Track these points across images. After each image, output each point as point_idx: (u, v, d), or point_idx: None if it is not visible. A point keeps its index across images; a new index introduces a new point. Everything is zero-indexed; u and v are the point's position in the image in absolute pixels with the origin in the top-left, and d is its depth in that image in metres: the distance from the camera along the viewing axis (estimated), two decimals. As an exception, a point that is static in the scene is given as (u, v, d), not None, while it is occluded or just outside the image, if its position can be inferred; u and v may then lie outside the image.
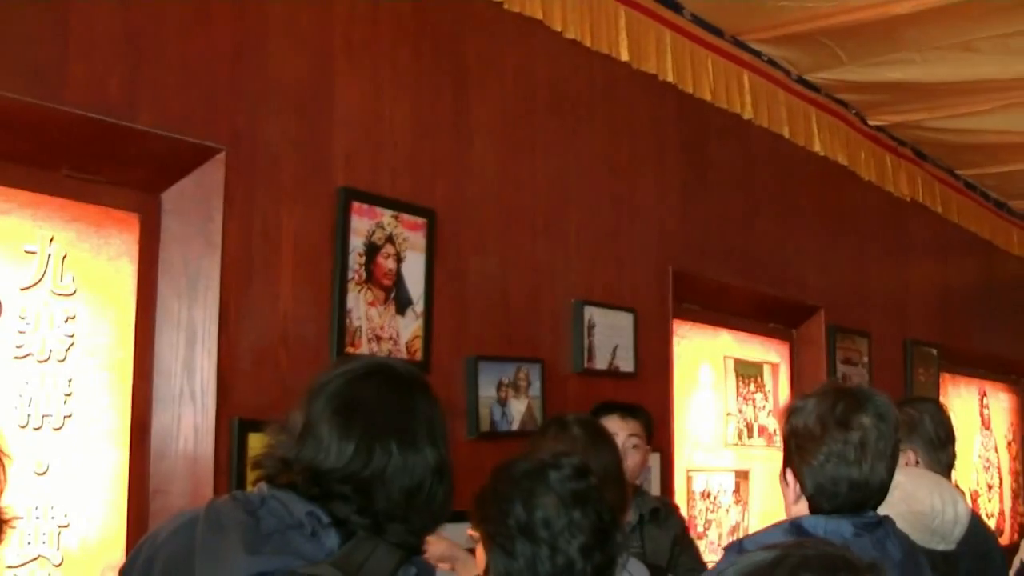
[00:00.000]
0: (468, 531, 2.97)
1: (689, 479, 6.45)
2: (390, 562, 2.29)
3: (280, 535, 2.26)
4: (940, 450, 4.38)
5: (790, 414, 3.08)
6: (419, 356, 4.51)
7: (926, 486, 3.55)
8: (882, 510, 3.52)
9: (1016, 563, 5.24)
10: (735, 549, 2.84)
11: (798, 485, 3.00)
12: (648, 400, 5.63)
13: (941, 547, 3.51)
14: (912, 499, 3.51)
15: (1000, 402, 11.05)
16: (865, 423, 2.93)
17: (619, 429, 4.54)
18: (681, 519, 4.90)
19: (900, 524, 3.48)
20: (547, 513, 2.73)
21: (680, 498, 6.29)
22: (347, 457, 2.31)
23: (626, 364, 5.59)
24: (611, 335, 5.50)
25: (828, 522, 2.89)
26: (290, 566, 2.21)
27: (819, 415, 2.99)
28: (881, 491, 2.97)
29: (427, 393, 2.47)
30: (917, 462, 4.34)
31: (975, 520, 4.28)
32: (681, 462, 6.27)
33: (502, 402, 4.83)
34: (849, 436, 2.92)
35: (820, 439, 2.94)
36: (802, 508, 2.99)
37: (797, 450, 3.00)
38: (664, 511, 4.72)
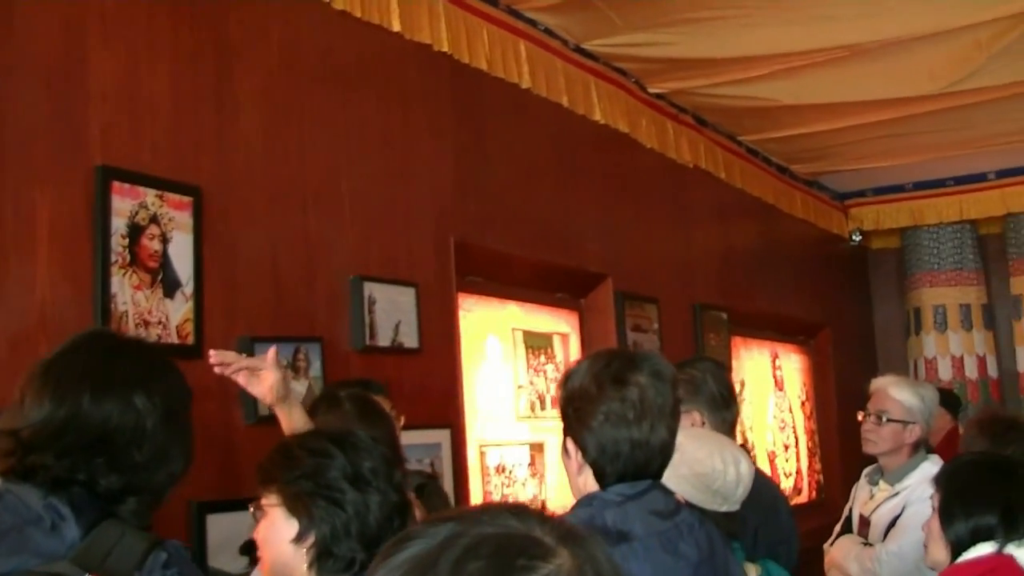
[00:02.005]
0: (252, 507, 2.84)
1: (483, 454, 6.38)
2: (138, 549, 2.17)
3: (17, 532, 2.13)
4: (724, 409, 4.40)
5: (565, 380, 3.02)
6: (190, 339, 4.37)
7: (707, 447, 3.53)
8: (664, 473, 3.51)
9: (844, 511, 5.30)
10: None
11: (579, 452, 2.93)
12: (435, 375, 5.59)
13: (724, 508, 3.49)
14: (693, 461, 3.49)
15: (792, 363, 11.25)
16: (642, 381, 2.88)
17: (387, 406, 4.44)
18: (445, 495, 4.86)
19: (682, 486, 3.47)
20: (375, 464, 2.69)
21: (475, 474, 6.24)
22: (45, 412, 2.24)
23: (410, 340, 5.49)
24: (393, 311, 5.39)
25: (618, 512, 2.80)
26: (27, 566, 2.08)
27: (594, 374, 2.93)
28: (663, 452, 2.91)
29: (150, 350, 2.51)
30: (704, 423, 4.34)
31: (758, 476, 4.30)
32: (473, 437, 6.20)
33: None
34: (626, 393, 2.85)
35: (597, 398, 2.88)
36: (587, 479, 2.93)
37: (575, 414, 2.93)
38: (429, 486, 4.65)
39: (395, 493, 2.70)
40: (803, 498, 10.77)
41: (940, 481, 3.56)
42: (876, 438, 5.11)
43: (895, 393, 5.11)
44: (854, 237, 12.10)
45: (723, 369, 4.56)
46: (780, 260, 10.51)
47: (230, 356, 3.49)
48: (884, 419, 5.07)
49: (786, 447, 10.73)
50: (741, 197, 9.71)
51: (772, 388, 10.68)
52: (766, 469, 9.97)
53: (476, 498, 6.17)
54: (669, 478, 3.47)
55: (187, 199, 4.41)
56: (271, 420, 4.50)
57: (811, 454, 11.20)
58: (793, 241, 10.88)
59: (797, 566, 4.30)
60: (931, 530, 3.52)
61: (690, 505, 3.45)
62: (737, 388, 9.35)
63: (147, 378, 2.35)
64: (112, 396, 2.27)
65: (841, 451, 10.82)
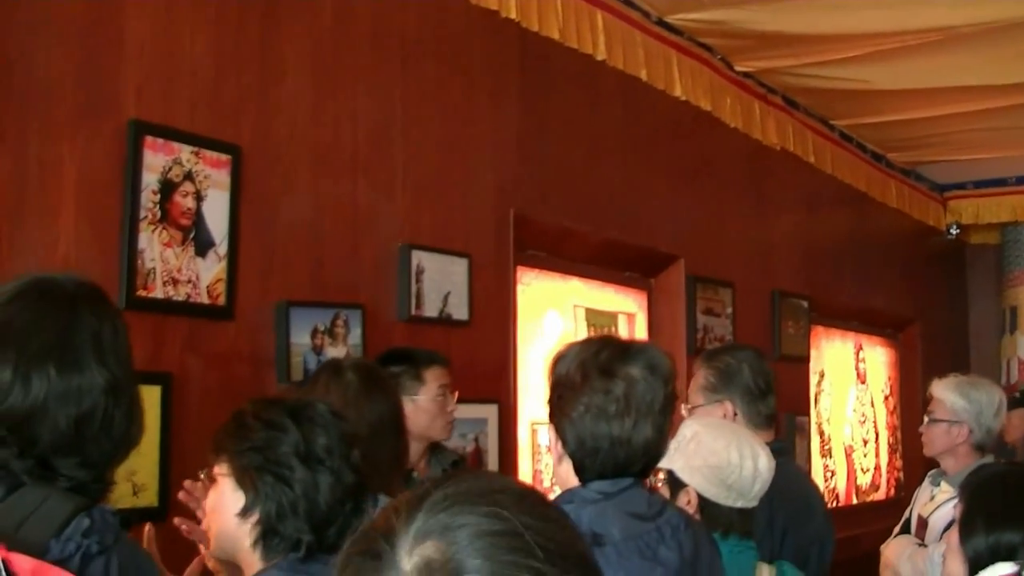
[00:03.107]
0: (200, 474, 2.73)
1: (534, 432, 6.25)
2: (60, 513, 2.05)
3: None
4: (760, 401, 4.23)
5: (554, 364, 2.87)
6: (222, 300, 4.29)
7: (724, 438, 3.37)
8: (678, 462, 3.36)
9: (905, 514, 5.13)
10: None
11: (560, 442, 2.79)
12: (484, 349, 5.47)
13: (740, 504, 3.32)
14: (708, 452, 3.33)
15: (877, 356, 11.00)
16: (632, 373, 2.71)
17: (448, 378, 4.41)
18: None
19: (695, 478, 3.32)
20: (329, 442, 2.55)
21: (524, 452, 6.12)
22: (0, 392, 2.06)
23: (459, 312, 5.38)
24: (442, 281, 5.28)
25: (595, 512, 2.65)
26: None
27: (581, 362, 2.77)
28: (647, 452, 2.72)
29: (95, 306, 2.22)
30: (735, 414, 4.18)
31: (793, 475, 4.14)
32: (525, 414, 6.07)
33: (317, 350, 4.60)
34: (611, 386, 2.69)
35: (580, 388, 2.72)
36: (568, 470, 2.79)
37: (558, 402, 2.78)
38: (463, 465, 4.57)
39: (350, 473, 2.56)
40: (880, 495, 10.53)
41: (964, 492, 3.36)
42: (926, 440, 4.99)
43: (939, 393, 4.97)
44: (951, 231, 11.75)
45: (762, 359, 4.37)
46: (870, 250, 10.24)
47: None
48: (930, 420, 4.93)
49: (865, 442, 10.49)
50: (831, 183, 9.45)
51: (854, 380, 10.43)
52: (841, 464, 9.78)
53: (525, 476, 6.05)
54: (682, 469, 3.34)
55: (225, 157, 4.32)
56: (303, 384, 4.45)
57: (891, 451, 10.95)
58: (885, 232, 10.60)
59: (828, 570, 4.14)
60: (950, 542, 3.33)
61: (702, 499, 3.32)
62: (816, 379, 9.24)
63: (115, 346, 2.22)
64: (79, 374, 2.13)
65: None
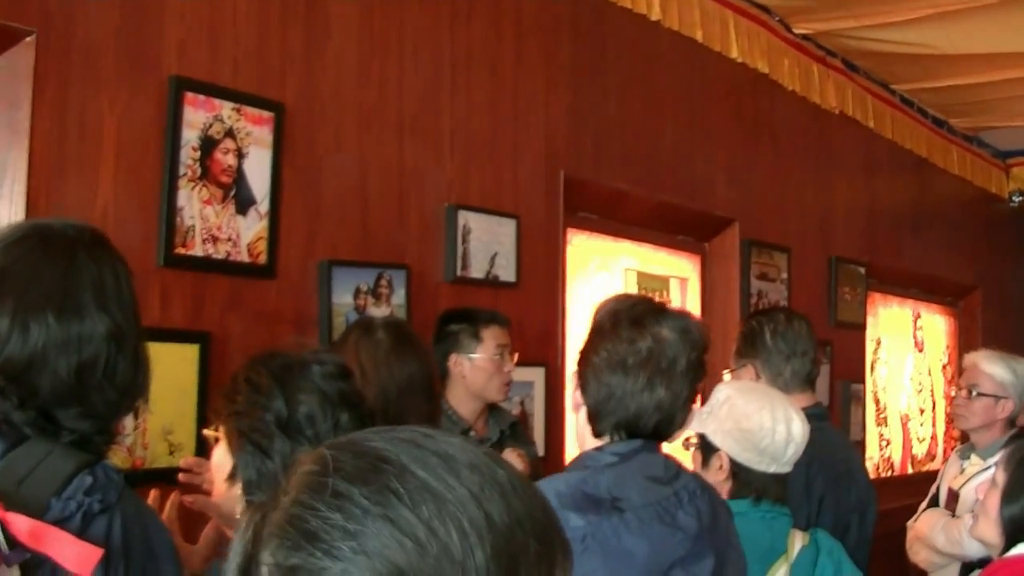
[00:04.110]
0: (205, 431, 2.68)
1: (583, 395, 6.19)
2: (63, 470, 2.00)
3: None
4: (782, 363, 4.16)
5: (594, 313, 2.83)
6: (263, 259, 4.26)
7: (756, 402, 3.31)
8: (710, 426, 3.31)
9: (932, 489, 5.07)
10: None
11: (579, 391, 2.75)
12: (532, 311, 5.43)
13: (773, 469, 3.27)
14: (741, 416, 3.28)
15: (936, 324, 10.87)
16: (663, 334, 2.65)
17: (507, 339, 4.44)
18: (532, 440, 4.78)
19: (727, 442, 3.27)
20: (312, 409, 2.41)
21: (571, 416, 6.06)
22: None
23: (507, 273, 5.33)
24: (490, 242, 5.23)
25: (614, 476, 2.59)
26: None
27: (614, 311, 2.73)
28: (659, 411, 2.65)
29: (95, 252, 2.16)
30: (758, 376, 4.13)
31: (833, 441, 4.07)
32: (572, 379, 6.01)
33: (360, 310, 4.57)
34: (638, 338, 2.64)
35: (606, 335, 2.67)
36: (583, 419, 2.74)
37: (585, 347, 2.74)
38: (520, 428, 4.55)
39: None
40: (936, 465, 10.39)
41: (1012, 457, 3.29)
42: (967, 413, 4.92)
43: (986, 367, 4.90)
44: (1014, 198, 11.55)
45: (793, 321, 4.28)
46: (931, 217, 10.11)
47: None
48: (975, 393, 4.86)
49: (922, 411, 10.37)
50: (891, 148, 9.32)
51: (912, 348, 10.31)
52: (897, 433, 9.68)
53: (572, 438, 6.00)
54: (715, 433, 3.30)
55: (268, 115, 4.29)
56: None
57: (948, 420, 10.80)
58: (946, 198, 10.45)
59: (870, 539, 4.08)
60: (986, 506, 3.26)
61: (735, 464, 3.27)
62: (872, 347, 9.13)
63: (117, 293, 2.17)
64: (80, 322, 2.07)
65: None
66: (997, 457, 4.56)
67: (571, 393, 2.82)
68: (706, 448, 3.34)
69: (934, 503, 4.95)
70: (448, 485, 1.16)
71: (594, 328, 2.75)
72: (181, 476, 2.95)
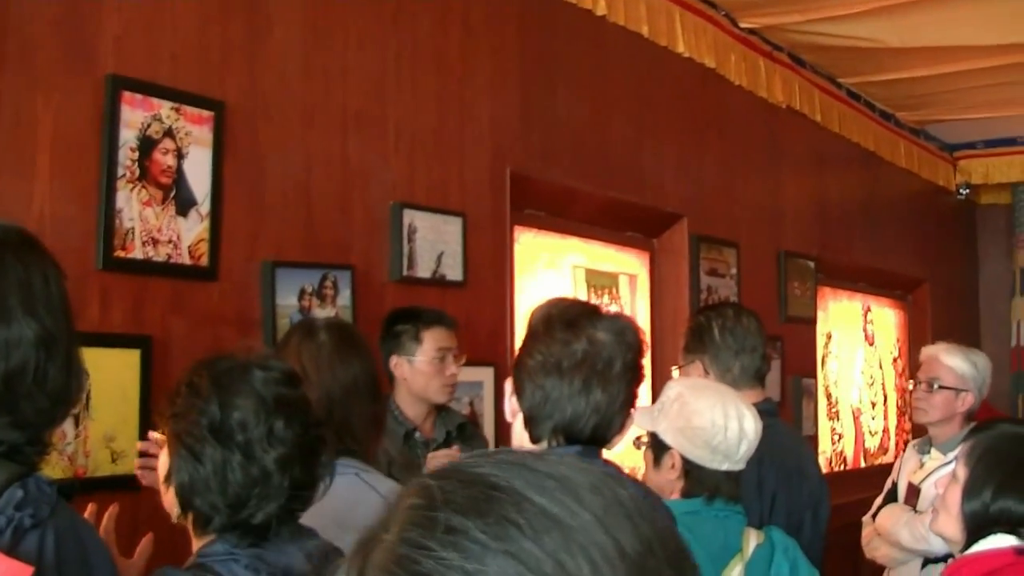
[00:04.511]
0: (151, 433, 2.60)
1: (533, 394, 6.13)
2: None
3: None
4: (731, 359, 4.12)
5: (529, 317, 2.78)
6: (204, 261, 4.18)
7: (707, 399, 3.26)
8: (661, 425, 3.26)
9: (887, 483, 5.04)
10: None
11: (515, 397, 2.69)
12: (480, 311, 5.37)
13: (725, 466, 3.22)
14: (692, 413, 3.23)
15: (886, 317, 10.88)
16: (598, 336, 2.61)
17: (451, 341, 4.35)
18: (484, 439, 4.67)
19: (679, 440, 3.23)
20: (244, 416, 2.33)
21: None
22: None
23: (454, 272, 5.26)
24: (436, 241, 5.17)
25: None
26: None
27: (547, 314, 2.68)
28: (597, 413, 2.61)
29: (23, 253, 2.06)
30: (707, 372, 4.09)
31: (782, 435, 4.03)
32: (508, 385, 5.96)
33: (305, 311, 4.49)
34: (572, 340, 2.59)
35: (540, 339, 2.63)
36: (520, 425, 2.69)
37: (520, 352, 2.69)
38: (470, 427, 4.48)
39: (272, 449, 2.34)
40: (889, 458, 10.41)
41: (973, 451, 3.22)
42: (927, 406, 4.88)
43: (947, 360, 4.87)
44: (961, 191, 11.63)
45: (741, 317, 4.24)
46: (879, 211, 10.12)
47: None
48: (936, 386, 4.82)
49: (873, 404, 10.38)
50: (839, 142, 9.31)
51: (862, 342, 10.32)
52: (849, 426, 9.69)
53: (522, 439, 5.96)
54: (666, 431, 3.25)
55: (207, 114, 4.21)
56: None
57: (900, 413, 10.84)
58: (894, 192, 10.46)
59: (824, 534, 4.04)
60: (947, 501, 3.20)
61: (687, 462, 3.22)
62: (823, 341, 9.13)
63: (46, 296, 2.09)
64: (7, 328, 1.98)
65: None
66: (957, 451, 4.54)
67: (507, 400, 2.76)
68: (658, 447, 3.29)
69: (891, 498, 4.92)
70: (570, 511, 1.03)
71: (528, 332, 2.71)
72: (138, 462, 2.97)
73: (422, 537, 1.01)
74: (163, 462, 2.43)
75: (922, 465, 4.84)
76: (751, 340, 4.15)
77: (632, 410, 2.73)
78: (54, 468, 3.40)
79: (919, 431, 10.53)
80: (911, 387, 5.03)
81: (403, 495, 1.08)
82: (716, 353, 4.11)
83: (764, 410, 3.57)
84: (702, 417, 3.22)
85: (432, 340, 4.27)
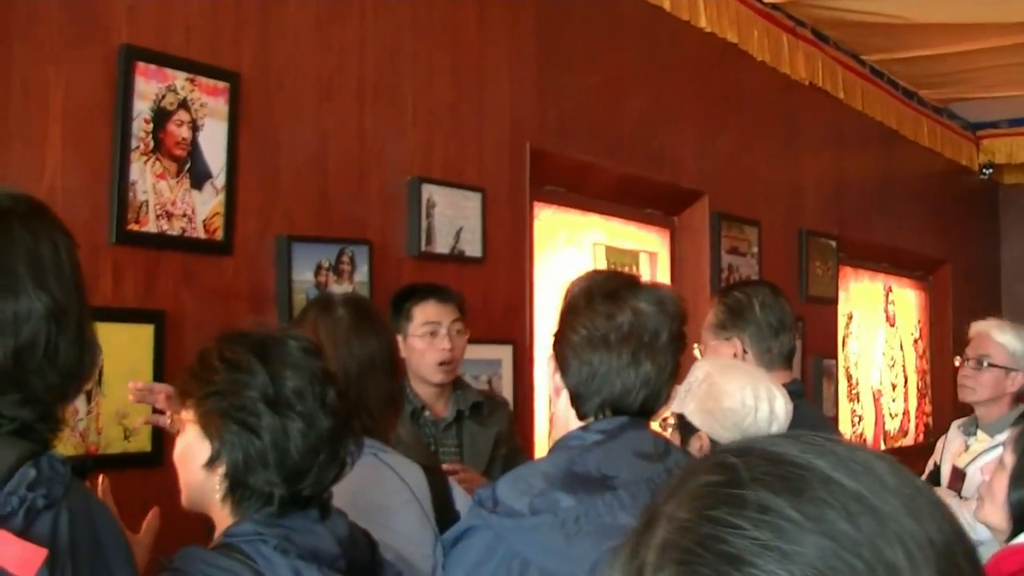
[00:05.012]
0: (169, 417, 2.51)
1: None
2: (5, 461, 1.83)
3: None
4: (771, 339, 3.99)
5: (565, 292, 2.68)
6: (219, 235, 4.11)
7: (737, 380, 3.17)
8: (689, 406, 3.18)
9: (929, 465, 4.93)
10: (487, 503, 2.41)
11: (558, 373, 2.60)
12: (499, 287, 5.29)
13: (755, 449, 3.13)
14: (721, 394, 3.14)
15: (907, 298, 10.78)
16: (639, 306, 2.52)
17: (441, 315, 4.16)
18: (510, 415, 4.53)
19: (708, 422, 3.14)
20: (299, 384, 2.28)
21: (542, 394, 5.93)
22: None
23: (472, 248, 5.18)
24: (455, 216, 5.08)
25: (601, 454, 2.44)
26: None
27: (587, 288, 2.59)
28: (647, 386, 2.51)
29: (32, 222, 1.98)
30: (745, 352, 3.96)
31: (809, 417, 3.93)
32: (541, 356, 5.88)
33: (321, 287, 4.41)
34: (616, 312, 2.50)
35: (582, 312, 2.53)
36: (565, 403, 2.60)
37: (560, 328, 2.60)
38: (488, 406, 4.34)
39: (325, 418, 2.30)
40: (909, 440, 10.35)
41: (1021, 439, 3.11)
42: (975, 384, 4.75)
43: (998, 337, 4.74)
44: (984, 171, 11.49)
45: (779, 295, 4.12)
46: (901, 190, 10.00)
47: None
48: (985, 364, 4.70)
49: (894, 386, 10.28)
50: (861, 120, 9.20)
51: (883, 323, 10.21)
52: (869, 408, 9.59)
53: (542, 419, 5.88)
54: (694, 413, 3.16)
55: (223, 85, 4.13)
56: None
57: (921, 395, 10.74)
58: (917, 171, 10.35)
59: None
60: (992, 490, 3.10)
61: (714, 444, 3.14)
62: (844, 321, 9.03)
63: (56, 267, 2.00)
64: (15, 300, 1.90)
65: (954, 394, 10.32)
66: (1005, 435, 4.41)
67: (548, 378, 2.68)
68: (685, 429, 3.20)
69: (933, 481, 4.79)
70: (880, 496, 0.97)
71: (567, 307, 2.61)
72: (131, 397, 2.96)
73: (730, 515, 0.94)
74: (190, 446, 2.35)
75: (967, 447, 4.72)
76: (788, 319, 4.05)
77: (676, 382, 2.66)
78: (65, 445, 3.32)
79: (939, 413, 10.54)
80: (957, 363, 4.90)
81: (691, 471, 1.02)
82: (757, 331, 3.98)
83: (793, 391, 3.48)
84: (732, 398, 3.13)
85: (421, 315, 4.15)
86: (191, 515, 2.47)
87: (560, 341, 2.57)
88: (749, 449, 1.02)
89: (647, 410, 2.57)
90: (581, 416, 2.54)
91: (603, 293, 2.54)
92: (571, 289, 2.65)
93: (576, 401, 2.55)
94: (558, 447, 2.54)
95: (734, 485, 0.97)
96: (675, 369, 2.60)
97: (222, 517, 2.29)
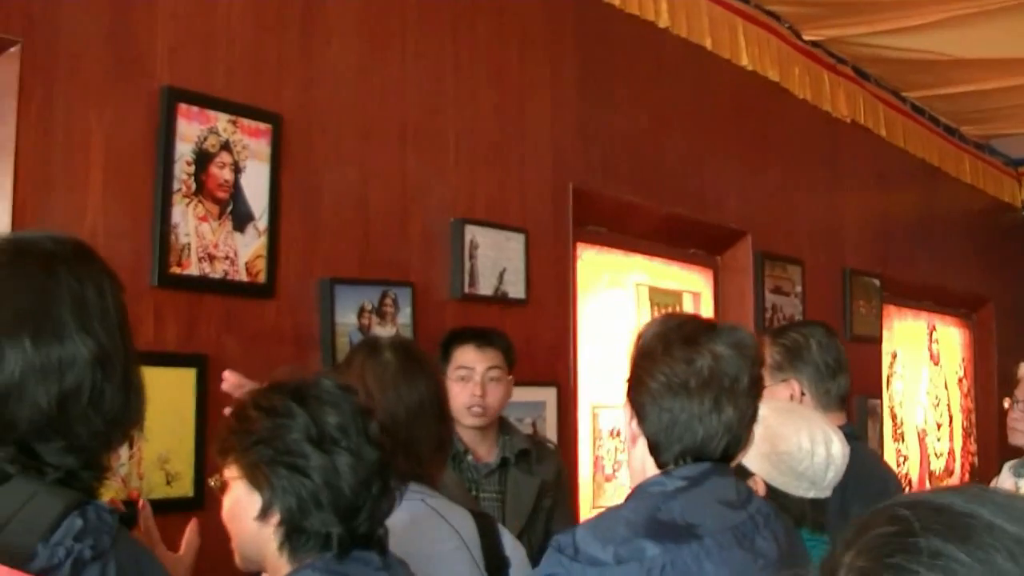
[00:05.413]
0: (211, 481, 2.45)
1: (595, 416, 6.00)
2: (49, 513, 1.79)
3: None
4: (829, 380, 3.91)
5: (636, 338, 2.62)
6: (262, 278, 4.07)
7: (793, 423, 3.10)
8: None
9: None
10: (568, 551, 2.35)
11: (635, 419, 2.54)
12: (542, 329, 5.23)
13: (812, 494, 3.06)
14: (777, 437, 3.06)
15: (951, 336, 10.66)
16: (717, 349, 2.45)
17: (476, 361, 4.12)
18: (559, 463, 4.44)
19: (763, 466, 3.07)
20: (341, 420, 2.25)
21: (585, 437, 5.87)
22: None
23: (516, 290, 5.13)
24: (498, 257, 5.03)
25: (684, 502, 2.39)
26: None
27: (662, 332, 2.53)
28: (729, 432, 2.47)
29: (75, 266, 1.94)
30: (803, 393, 3.88)
31: (866, 460, 3.85)
32: (586, 398, 5.82)
33: (364, 329, 4.36)
34: (694, 357, 2.44)
35: (660, 359, 2.47)
36: (642, 452, 2.53)
37: (636, 374, 2.53)
38: (537, 453, 4.26)
39: (372, 450, 2.25)
40: (954, 480, 10.21)
41: None
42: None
43: None
44: (1027, 207, 11.39)
45: (834, 336, 4.06)
46: (943, 227, 9.91)
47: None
48: None
49: (939, 425, 10.16)
50: (903, 157, 9.11)
51: (927, 361, 10.10)
52: (914, 448, 9.48)
53: (585, 462, 5.81)
54: (750, 457, 3.07)
55: (265, 126, 4.10)
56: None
57: (966, 435, 10.61)
58: (959, 208, 10.25)
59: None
60: None
61: (771, 489, 3.06)
62: (888, 360, 8.93)
63: (103, 312, 1.96)
64: (60, 345, 1.86)
65: (1000, 433, 10.17)
66: (1057, 478, 4.32)
67: (624, 426, 2.61)
68: (739, 473, 3.13)
69: (984, 525, 4.70)
70: None
71: (641, 353, 2.54)
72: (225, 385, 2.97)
73: (906, 562, 1.05)
74: (239, 502, 2.30)
75: (1018, 488, 4.63)
76: (844, 360, 3.98)
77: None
78: (107, 490, 3.28)
79: (985, 452, 10.40)
80: (1007, 405, 4.80)
81: (865, 524, 1.12)
82: (815, 372, 3.91)
83: (848, 433, 3.40)
84: (788, 442, 3.05)
85: (456, 358, 4.14)
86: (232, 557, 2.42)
87: (636, 388, 2.51)
88: (917, 502, 1.11)
89: (728, 456, 2.51)
90: (660, 464, 2.48)
91: (680, 338, 2.48)
92: (643, 334, 2.59)
93: (655, 449, 2.49)
94: (638, 494, 2.48)
95: (908, 534, 1.07)
96: (755, 414, 2.54)
97: (279, 567, 2.24)
